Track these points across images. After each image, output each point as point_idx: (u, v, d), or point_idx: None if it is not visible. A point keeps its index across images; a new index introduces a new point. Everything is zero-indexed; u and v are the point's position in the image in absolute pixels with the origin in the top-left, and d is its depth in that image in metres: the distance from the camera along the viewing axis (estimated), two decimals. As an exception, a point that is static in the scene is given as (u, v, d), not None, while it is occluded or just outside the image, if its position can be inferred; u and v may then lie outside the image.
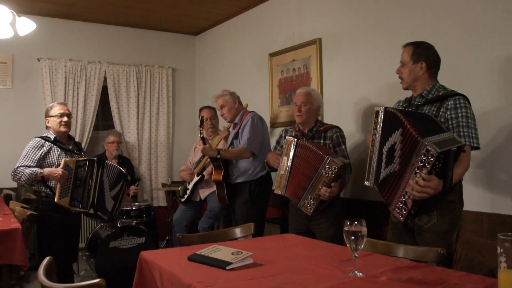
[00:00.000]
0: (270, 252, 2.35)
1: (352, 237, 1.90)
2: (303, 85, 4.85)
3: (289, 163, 3.42)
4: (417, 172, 2.43)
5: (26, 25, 4.11)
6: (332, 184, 3.25)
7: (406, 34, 3.77)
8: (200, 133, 4.11)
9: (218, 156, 4.14)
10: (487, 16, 3.26)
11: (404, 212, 2.55)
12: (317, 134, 3.64)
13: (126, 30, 6.57)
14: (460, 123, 2.62)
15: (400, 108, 2.91)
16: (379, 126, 2.63)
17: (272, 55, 5.35)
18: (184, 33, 6.99)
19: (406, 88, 2.92)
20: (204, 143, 4.12)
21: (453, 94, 2.71)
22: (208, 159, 4.98)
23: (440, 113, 2.68)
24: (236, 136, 4.42)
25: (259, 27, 5.64)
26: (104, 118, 6.66)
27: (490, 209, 3.25)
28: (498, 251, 1.58)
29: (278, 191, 3.52)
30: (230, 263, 2.01)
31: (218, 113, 4.76)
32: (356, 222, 1.90)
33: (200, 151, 4.26)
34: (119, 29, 6.52)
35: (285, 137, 3.79)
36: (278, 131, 5.24)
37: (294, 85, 5.03)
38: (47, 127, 3.99)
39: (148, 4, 5.63)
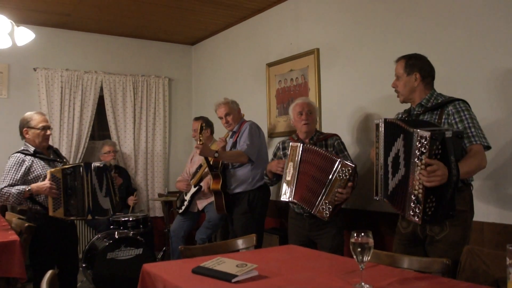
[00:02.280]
0: (274, 264, 2.33)
1: (359, 249, 1.88)
2: (301, 95, 4.86)
3: (296, 169, 3.41)
4: (418, 163, 2.38)
5: (25, 35, 4.10)
6: (349, 184, 3.26)
7: (404, 43, 3.80)
8: (200, 140, 4.09)
9: (216, 155, 4.08)
10: (486, 27, 3.29)
11: (418, 211, 2.40)
12: (318, 142, 3.63)
13: (123, 40, 6.57)
14: (466, 125, 2.61)
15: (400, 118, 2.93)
16: (381, 138, 2.64)
17: (270, 65, 5.35)
18: (180, 43, 7.00)
19: (403, 101, 2.95)
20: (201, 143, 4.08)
21: (452, 99, 2.73)
22: (206, 169, 4.98)
23: (443, 120, 2.69)
24: (234, 145, 4.40)
25: (256, 37, 5.65)
26: (100, 128, 6.63)
27: (490, 218, 3.25)
28: (507, 262, 1.57)
29: (284, 198, 3.48)
30: (236, 276, 1.99)
31: (217, 121, 4.74)
32: (363, 234, 1.89)
33: (198, 154, 4.21)
34: (116, 39, 6.52)
35: (283, 149, 3.79)
36: (276, 141, 5.25)
37: (292, 95, 5.03)
38: (23, 137, 3.82)
39: (144, 14, 5.64)
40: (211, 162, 4.35)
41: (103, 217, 3.98)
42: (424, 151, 2.35)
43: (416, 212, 2.42)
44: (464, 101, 2.71)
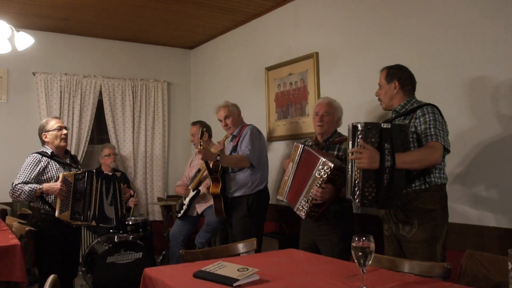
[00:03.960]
0: (275, 268, 2.34)
1: (360, 253, 1.89)
2: (301, 99, 4.88)
3: (294, 169, 3.41)
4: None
5: (24, 40, 4.11)
6: (324, 185, 3.18)
7: (403, 47, 3.82)
8: (200, 145, 4.09)
9: (218, 158, 4.09)
10: (480, 33, 3.32)
11: (357, 195, 2.63)
12: (331, 144, 3.56)
13: (122, 44, 6.58)
14: (428, 126, 2.73)
15: None
16: (349, 139, 2.78)
17: (269, 69, 5.36)
18: (179, 47, 7.01)
19: (385, 109, 3.09)
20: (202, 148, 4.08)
21: (422, 105, 2.85)
22: (205, 173, 4.98)
23: (411, 123, 2.80)
24: (234, 148, 4.40)
25: (255, 41, 5.66)
26: (99, 132, 6.63)
27: (489, 222, 3.26)
28: (509, 267, 1.58)
29: (280, 197, 3.50)
30: (237, 280, 1.99)
31: (216, 124, 4.74)
32: (364, 238, 1.89)
33: (200, 159, 4.20)
34: (115, 43, 6.53)
35: None
36: (275, 145, 5.27)
37: (291, 99, 5.04)
38: (43, 142, 3.97)
39: (143, 19, 5.65)
40: (211, 166, 4.36)
41: (106, 225, 4.02)
42: (360, 137, 2.61)
43: (357, 194, 2.64)
44: (432, 106, 2.82)
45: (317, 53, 4.69)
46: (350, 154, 2.67)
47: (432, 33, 3.63)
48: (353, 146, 2.71)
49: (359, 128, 2.63)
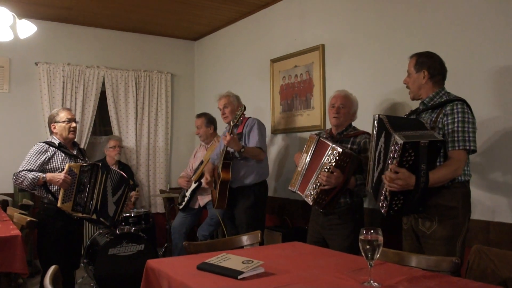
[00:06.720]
0: (280, 261, 2.30)
1: (368, 246, 1.85)
2: (306, 92, 4.83)
3: (308, 160, 3.35)
4: (390, 164, 2.51)
5: (27, 28, 4.06)
6: (332, 169, 3.14)
7: (409, 40, 3.77)
8: (233, 122, 4.07)
9: (242, 150, 4.05)
10: (487, 25, 3.27)
11: (385, 205, 2.61)
12: (346, 137, 3.49)
13: (125, 34, 6.53)
14: (455, 128, 2.64)
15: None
16: (375, 132, 2.73)
17: (274, 61, 5.31)
18: (183, 39, 6.95)
19: (413, 98, 2.96)
20: (231, 133, 4.02)
21: (452, 99, 2.73)
22: (207, 166, 4.93)
23: (439, 119, 2.71)
24: (240, 137, 4.32)
25: (260, 32, 5.61)
26: (102, 123, 6.59)
27: (496, 218, 3.22)
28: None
29: (291, 188, 3.45)
30: (242, 272, 1.96)
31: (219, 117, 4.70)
32: (372, 231, 1.85)
33: (224, 142, 4.08)
34: (118, 34, 6.47)
35: None
36: (279, 137, 5.23)
37: (296, 92, 4.99)
38: (51, 133, 3.96)
39: (147, 9, 5.60)
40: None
41: (106, 221, 3.98)
42: (396, 156, 2.45)
43: (383, 205, 2.64)
44: (463, 102, 2.71)
45: (323, 45, 4.64)
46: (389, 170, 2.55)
47: (440, 23, 3.57)
48: (377, 140, 2.67)
49: (395, 147, 2.46)
